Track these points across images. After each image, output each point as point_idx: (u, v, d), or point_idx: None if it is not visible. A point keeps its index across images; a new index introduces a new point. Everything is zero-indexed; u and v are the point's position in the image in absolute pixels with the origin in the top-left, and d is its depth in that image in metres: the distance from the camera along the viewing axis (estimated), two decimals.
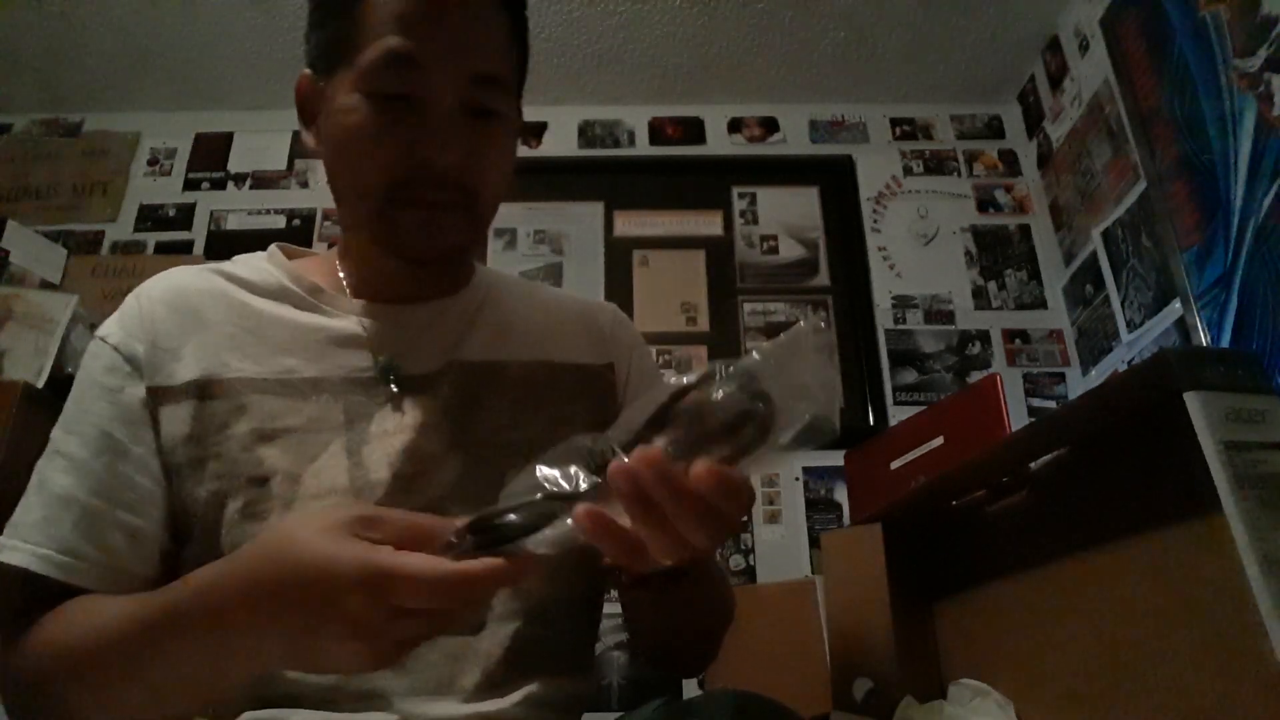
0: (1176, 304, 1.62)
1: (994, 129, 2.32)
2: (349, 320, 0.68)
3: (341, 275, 0.72)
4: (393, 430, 0.63)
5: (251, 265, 0.72)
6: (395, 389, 0.65)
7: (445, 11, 0.61)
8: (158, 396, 0.62)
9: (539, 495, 0.41)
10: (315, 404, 0.63)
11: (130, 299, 0.68)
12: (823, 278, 2.17)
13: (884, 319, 2.11)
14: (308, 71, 0.68)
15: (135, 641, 0.50)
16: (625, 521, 0.39)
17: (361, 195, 0.64)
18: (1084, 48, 1.97)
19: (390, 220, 0.64)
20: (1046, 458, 0.59)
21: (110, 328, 0.66)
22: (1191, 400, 0.42)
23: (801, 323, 0.43)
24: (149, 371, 0.63)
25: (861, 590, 0.74)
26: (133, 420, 0.62)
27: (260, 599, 0.44)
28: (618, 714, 0.73)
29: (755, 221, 2.22)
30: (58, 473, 0.60)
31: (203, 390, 0.63)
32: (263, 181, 2.27)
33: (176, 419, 0.62)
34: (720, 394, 0.38)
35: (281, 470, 0.60)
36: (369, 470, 0.61)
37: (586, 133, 2.33)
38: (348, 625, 0.41)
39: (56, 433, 0.62)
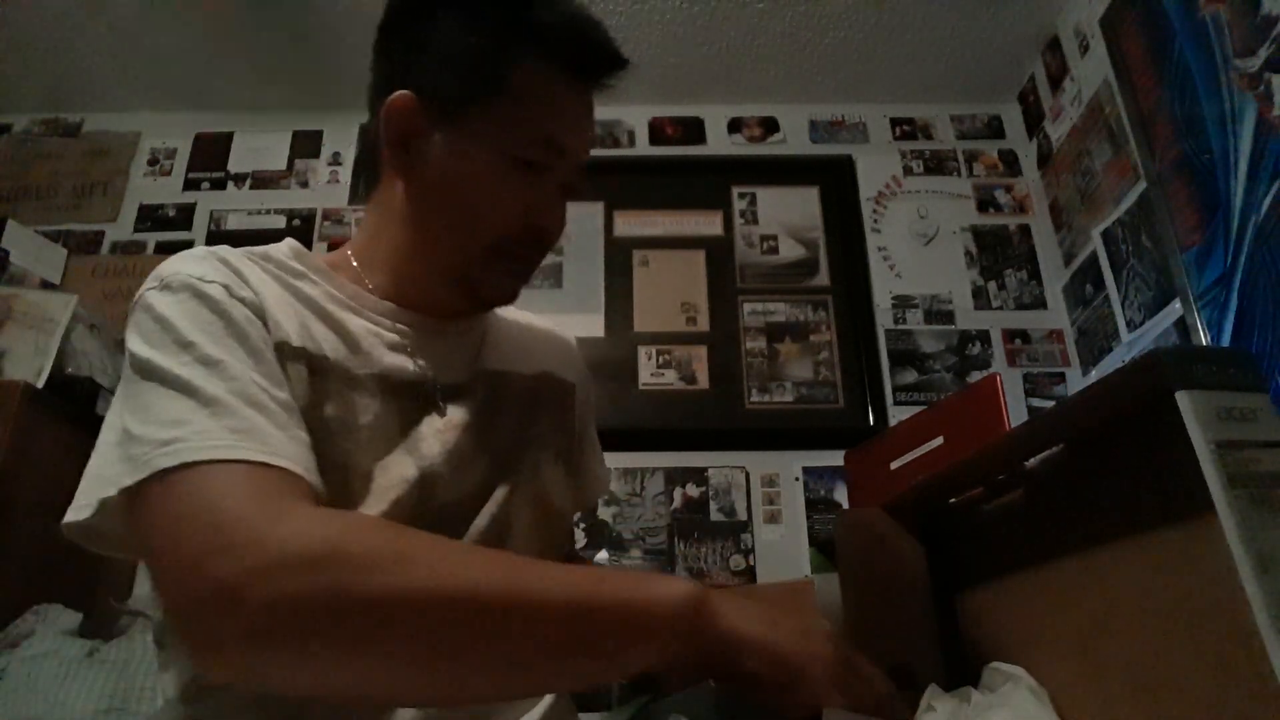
0: (1176, 304, 1.62)
1: (994, 129, 2.32)
2: (390, 327, 0.71)
3: (368, 283, 0.73)
4: (443, 429, 0.69)
5: (284, 260, 0.71)
6: (436, 394, 0.70)
7: (591, 119, 0.76)
8: (283, 352, 0.61)
9: None
10: (377, 402, 0.65)
11: (206, 256, 0.63)
12: (823, 278, 2.17)
13: (884, 319, 2.11)
14: (410, 94, 0.69)
15: (570, 603, 0.50)
16: None
17: (468, 239, 0.70)
18: (1084, 48, 1.97)
19: (487, 268, 0.71)
20: (1043, 455, 0.59)
21: (216, 282, 0.60)
22: (1183, 399, 0.42)
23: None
24: (270, 325, 0.62)
25: (888, 571, 0.74)
26: (279, 378, 0.60)
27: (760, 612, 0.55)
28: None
29: (755, 221, 2.22)
30: (269, 422, 0.54)
31: (307, 359, 0.62)
32: (263, 181, 2.27)
33: (298, 379, 0.61)
34: None
35: (359, 465, 0.62)
36: (431, 462, 0.66)
37: None
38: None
39: (206, 383, 0.54)
